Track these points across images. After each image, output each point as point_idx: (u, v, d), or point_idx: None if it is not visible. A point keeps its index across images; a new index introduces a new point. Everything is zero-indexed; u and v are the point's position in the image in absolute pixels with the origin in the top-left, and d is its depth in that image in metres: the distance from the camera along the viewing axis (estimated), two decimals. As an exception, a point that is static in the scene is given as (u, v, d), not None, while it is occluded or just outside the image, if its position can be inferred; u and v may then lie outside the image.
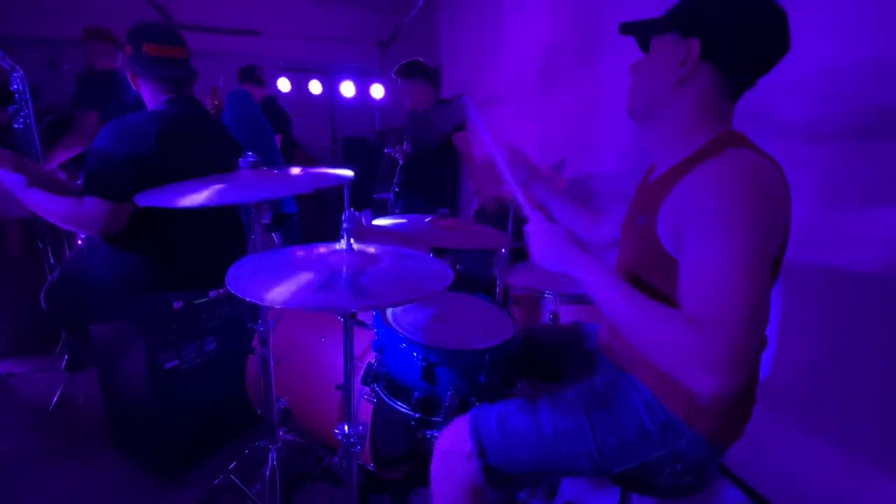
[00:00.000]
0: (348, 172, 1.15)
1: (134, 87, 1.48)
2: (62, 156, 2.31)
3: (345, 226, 0.94)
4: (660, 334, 0.68)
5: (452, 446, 0.90)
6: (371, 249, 0.98)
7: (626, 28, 0.88)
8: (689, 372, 0.64)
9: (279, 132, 3.30)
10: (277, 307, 0.74)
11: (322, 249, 0.97)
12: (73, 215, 1.32)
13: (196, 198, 0.97)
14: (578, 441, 0.84)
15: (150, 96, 1.47)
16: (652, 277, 0.81)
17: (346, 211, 0.94)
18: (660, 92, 0.81)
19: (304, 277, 0.81)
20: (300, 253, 0.96)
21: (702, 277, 0.67)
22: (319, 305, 0.76)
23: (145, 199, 0.99)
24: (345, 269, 0.86)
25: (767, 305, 0.65)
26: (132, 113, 1.43)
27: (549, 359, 1.17)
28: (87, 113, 2.33)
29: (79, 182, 1.51)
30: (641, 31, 0.87)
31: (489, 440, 0.87)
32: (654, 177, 0.88)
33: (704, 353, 0.62)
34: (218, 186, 1.04)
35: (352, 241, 0.95)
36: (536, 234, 0.85)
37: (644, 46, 0.90)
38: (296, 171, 1.22)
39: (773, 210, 0.69)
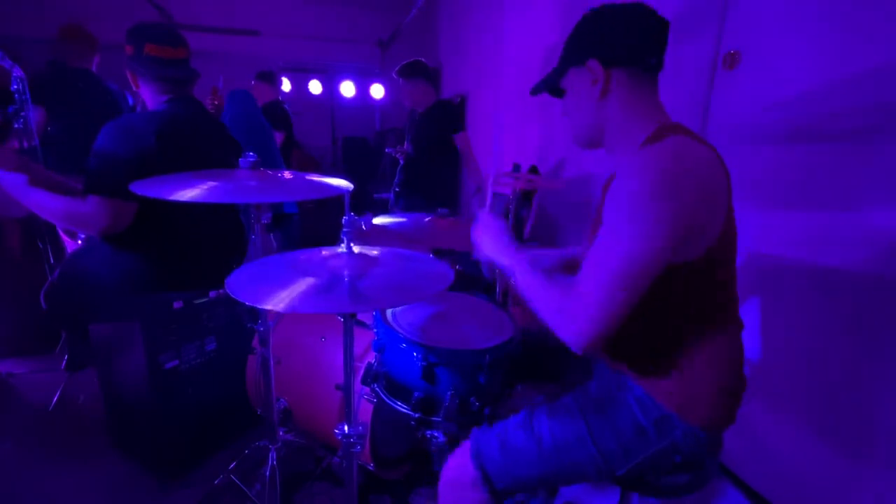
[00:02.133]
0: (347, 184, 1.15)
1: (133, 87, 1.48)
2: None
3: (345, 230, 0.95)
4: (544, 297, 0.78)
5: (457, 477, 0.91)
6: (372, 252, 0.98)
7: (536, 89, 0.98)
8: (557, 325, 0.74)
9: (280, 131, 3.31)
10: (280, 311, 0.74)
11: (324, 253, 0.97)
12: (75, 215, 1.32)
13: (191, 192, 0.97)
14: (579, 449, 0.85)
15: (151, 96, 1.47)
16: (655, 287, 0.82)
17: (346, 216, 0.95)
18: (592, 115, 0.88)
19: (305, 282, 0.81)
20: (301, 257, 0.96)
21: (595, 248, 0.74)
22: (321, 309, 0.76)
23: (142, 189, 1.00)
24: (345, 273, 0.86)
25: (639, 284, 0.70)
26: (132, 112, 1.43)
27: (548, 359, 1.18)
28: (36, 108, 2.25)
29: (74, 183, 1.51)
30: (549, 83, 0.95)
31: (492, 465, 0.88)
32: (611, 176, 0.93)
33: (570, 313, 0.72)
34: (214, 183, 1.04)
35: (352, 244, 0.95)
36: (483, 224, 0.97)
37: (558, 94, 0.97)
38: (289, 176, 1.22)
39: (686, 196, 0.70)
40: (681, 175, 0.70)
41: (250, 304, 0.75)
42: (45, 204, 1.33)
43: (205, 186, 1.02)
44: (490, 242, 0.94)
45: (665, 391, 0.83)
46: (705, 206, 0.73)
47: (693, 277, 0.77)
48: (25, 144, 1.75)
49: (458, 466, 0.92)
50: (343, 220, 0.95)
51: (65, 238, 2.03)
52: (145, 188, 0.99)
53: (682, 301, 0.80)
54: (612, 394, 0.89)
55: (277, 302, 0.74)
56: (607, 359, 0.95)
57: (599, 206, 0.94)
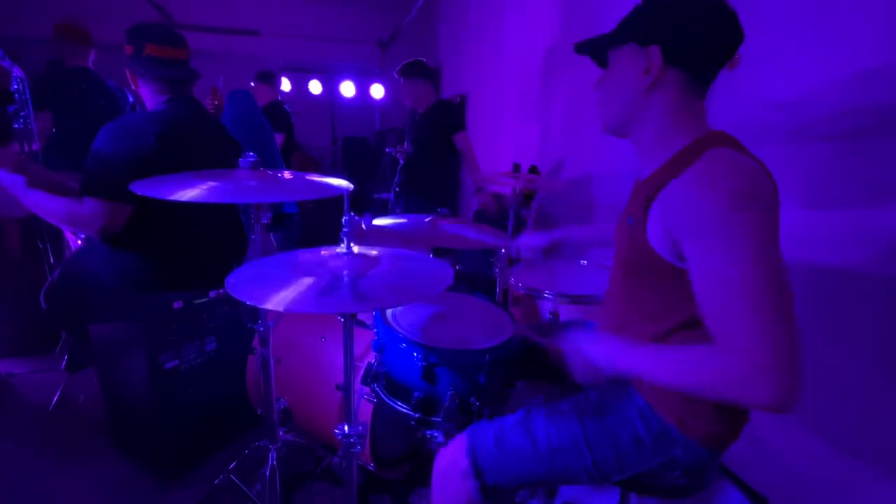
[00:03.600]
0: (347, 184, 1.15)
1: (133, 87, 1.48)
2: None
3: (345, 230, 0.94)
4: (701, 379, 0.66)
5: (449, 466, 0.91)
6: (372, 252, 0.98)
7: (582, 47, 0.89)
8: (743, 396, 0.62)
9: (281, 132, 3.31)
10: (280, 311, 0.74)
11: (323, 253, 0.97)
12: (73, 215, 1.32)
13: (191, 192, 0.97)
14: (574, 455, 0.84)
15: (150, 96, 1.47)
16: (643, 274, 0.82)
17: (346, 216, 0.95)
18: (630, 103, 0.82)
19: (305, 282, 0.81)
20: (301, 257, 0.96)
21: (713, 291, 0.66)
22: (321, 310, 0.76)
23: (141, 189, 1.00)
24: (345, 273, 0.86)
25: (790, 302, 0.62)
26: (132, 113, 1.43)
27: (548, 359, 1.17)
28: (39, 114, 2.24)
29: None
30: (598, 47, 0.87)
31: (485, 459, 0.87)
32: (642, 178, 0.88)
33: (742, 372, 0.61)
34: (214, 183, 1.04)
35: (352, 244, 0.95)
36: (573, 356, 0.84)
37: (602, 62, 0.90)
38: (289, 176, 1.22)
39: (763, 203, 0.67)
40: (749, 182, 0.67)
41: (251, 304, 0.75)
42: (42, 204, 1.34)
43: (205, 186, 1.02)
44: (589, 366, 0.81)
45: (667, 402, 0.81)
46: (773, 209, 0.70)
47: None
48: (27, 148, 1.76)
49: (452, 456, 0.91)
50: (343, 220, 0.95)
51: (70, 237, 2.03)
52: (145, 188, 0.99)
53: (692, 309, 0.77)
54: (614, 402, 0.87)
55: (278, 302, 0.74)
56: None
57: (627, 206, 0.90)
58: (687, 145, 0.77)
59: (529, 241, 1.37)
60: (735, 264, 0.63)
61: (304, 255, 0.96)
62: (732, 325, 0.63)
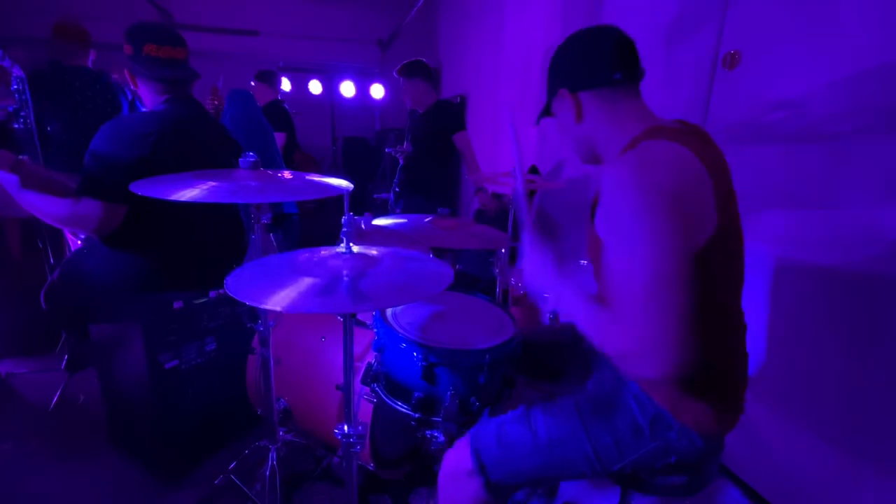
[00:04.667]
0: (347, 184, 1.15)
1: (132, 87, 1.48)
2: None
3: (344, 230, 0.95)
4: (598, 334, 0.75)
5: (455, 467, 0.93)
6: (372, 252, 0.98)
7: (538, 119, 1.03)
8: (621, 362, 0.72)
9: (282, 132, 3.31)
10: (279, 311, 0.74)
11: (323, 252, 0.97)
12: (69, 216, 1.31)
13: (191, 192, 0.97)
14: (574, 445, 0.86)
15: (149, 96, 1.47)
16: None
17: (346, 216, 0.95)
18: (576, 137, 0.94)
19: (305, 282, 0.81)
20: (301, 257, 0.96)
21: (612, 271, 0.73)
22: (320, 309, 0.76)
23: (141, 189, 1.00)
24: (345, 273, 0.86)
25: (687, 288, 0.68)
26: (131, 113, 1.42)
27: (548, 358, 1.18)
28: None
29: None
30: (544, 114, 1.01)
31: (488, 456, 0.89)
32: None
33: (625, 342, 0.70)
34: (214, 183, 1.04)
35: (351, 244, 0.95)
36: (530, 257, 0.93)
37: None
38: (289, 176, 1.22)
39: (671, 195, 0.70)
40: (648, 174, 0.71)
41: (250, 304, 0.75)
42: (37, 204, 1.33)
43: (205, 186, 1.02)
44: (539, 276, 0.90)
45: (659, 388, 0.84)
46: (688, 201, 0.72)
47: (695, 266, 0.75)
48: (27, 155, 1.75)
49: (457, 457, 0.94)
50: (343, 220, 0.95)
51: (70, 238, 2.03)
52: (144, 188, 0.99)
53: None
54: (611, 391, 0.90)
55: (277, 302, 0.74)
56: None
57: (592, 208, 0.94)
58: (626, 143, 0.85)
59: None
60: (631, 259, 0.70)
61: (304, 255, 0.96)
62: (623, 307, 0.71)
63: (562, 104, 0.93)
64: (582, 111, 0.90)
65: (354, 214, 1.01)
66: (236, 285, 0.80)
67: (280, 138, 3.29)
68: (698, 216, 0.73)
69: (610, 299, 0.74)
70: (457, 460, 0.93)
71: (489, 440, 0.91)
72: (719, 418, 0.84)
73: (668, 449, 0.83)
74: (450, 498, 0.94)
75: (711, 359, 0.82)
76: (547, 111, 1.00)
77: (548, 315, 1.56)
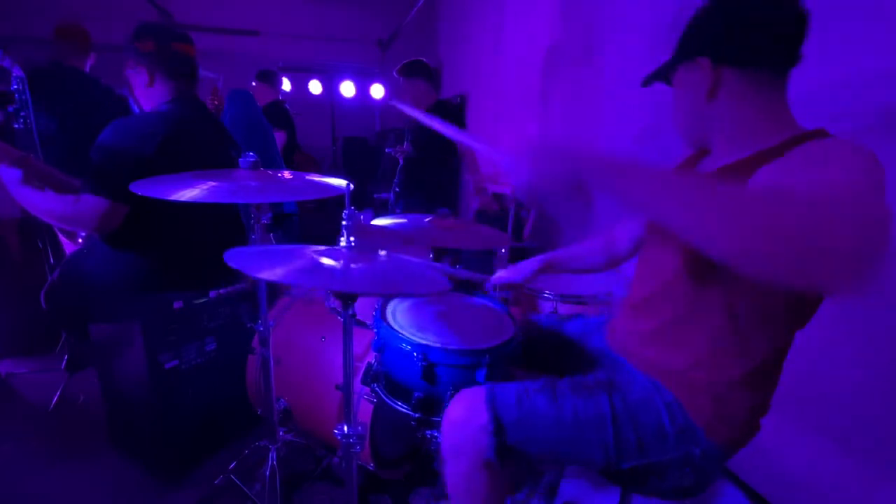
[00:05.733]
0: (344, 183, 1.13)
1: (148, 84, 1.46)
2: None
3: (345, 223, 0.94)
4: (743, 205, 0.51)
5: (466, 417, 0.87)
6: (381, 253, 0.98)
7: (647, 80, 0.91)
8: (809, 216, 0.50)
9: (282, 131, 3.32)
10: (274, 279, 0.74)
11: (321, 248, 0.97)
12: (69, 213, 1.31)
13: (191, 192, 0.97)
14: (597, 430, 0.84)
15: (159, 94, 1.46)
16: (708, 276, 0.78)
17: (347, 210, 0.94)
18: (695, 116, 0.83)
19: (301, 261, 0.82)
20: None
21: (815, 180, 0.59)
22: (312, 283, 0.76)
23: (142, 189, 1.00)
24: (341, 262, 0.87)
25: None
26: (138, 113, 1.43)
27: (550, 350, 1.17)
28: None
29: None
30: (660, 75, 0.89)
31: (508, 414, 0.85)
32: (713, 168, 0.84)
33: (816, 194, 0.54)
34: (214, 183, 1.04)
35: (352, 239, 0.95)
36: (522, 154, 0.67)
37: (669, 82, 0.91)
38: (289, 175, 1.22)
39: (876, 176, 0.61)
40: (862, 156, 0.62)
41: (245, 273, 0.74)
42: (36, 202, 1.33)
43: (205, 187, 1.02)
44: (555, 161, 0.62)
45: (699, 404, 0.81)
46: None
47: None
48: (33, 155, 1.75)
49: (469, 406, 0.87)
50: (344, 214, 0.94)
51: (63, 240, 2.02)
52: (145, 188, 0.99)
53: (750, 311, 0.76)
54: (640, 391, 0.87)
55: (272, 274, 0.75)
56: (639, 362, 0.93)
57: None
58: (781, 141, 0.74)
59: (507, 276, 1.27)
60: (845, 173, 0.58)
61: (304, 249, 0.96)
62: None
63: (692, 74, 0.79)
64: (719, 88, 0.77)
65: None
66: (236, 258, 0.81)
67: (280, 137, 3.29)
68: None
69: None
70: (469, 409, 0.87)
71: (509, 400, 0.86)
72: (745, 438, 0.84)
73: (687, 461, 0.82)
74: (456, 449, 0.89)
75: (758, 381, 0.81)
76: (664, 75, 0.87)
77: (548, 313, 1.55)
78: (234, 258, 0.80)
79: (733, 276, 0.59)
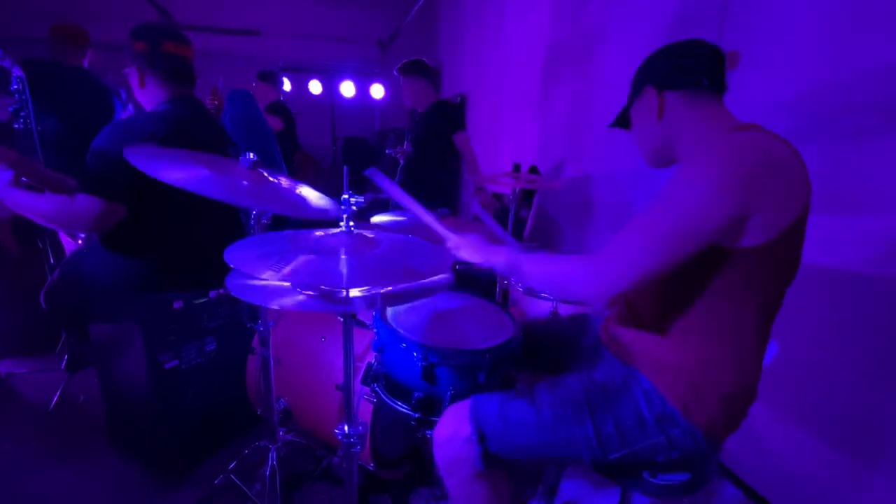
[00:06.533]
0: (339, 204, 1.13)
1: (139, 86, 1.47)
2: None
3: (345, 211, 0.97)
4: (557, 268, 0.86)
5: (451, 432, 0.92)
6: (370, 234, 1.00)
7: (613, 125, 1.08)
8: (570, 283, 0.82)
9: (282, 133, 3.32)
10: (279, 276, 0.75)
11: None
12: (63, 213, 1.29)
13: (182, 175, 0.98)
14: (577, 425, 0.86)
15: (154, 95, 1.46)
16: (694, 269, 0.81)
17: (345, 192, 0.96)
18: (655, 138, 0.95)
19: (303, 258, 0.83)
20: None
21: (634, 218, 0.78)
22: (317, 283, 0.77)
23: (135, 160, 1.00)
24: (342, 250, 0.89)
25: (660, 258, 0.74)
26: (135, 113, 1.42)
27: (550, 350, 1.18)
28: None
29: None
30: (621, 118, 1.05)
31: (489, 426, 0.89)
32: None
33: (585, 269, 0.80)
34: (206, 171, 1.05)
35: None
36: (461, 243, 1.05)
37: (628, 126, 1.05)
38: (286, 184, 1.23)
39: (756, 169, 0.72)
40: (747, 154, 0.73)
41: (245, 271, 0.75)
42: (27, 203, 1.31)
43: (195, 173, 1.03)
44: (478, 251, 1.01)
45: (673, 388, 0.84)
46: (773, 191, 0.72)
47: (740, 267, 0.77)
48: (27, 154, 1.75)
49: (454, 422, 0.93)
50: (342, 200, 0.97)
51: (64, 238, 2.02)
52: (143, 161, 1.00)
53: (720, 295, 0.80)
54: (618, 382, 0.90)
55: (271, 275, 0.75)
56: (618, 349, 0.96)
57: None
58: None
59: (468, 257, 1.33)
60: (674, 200, 0.76)
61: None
62: (622, 235, 0.78)
63: (645, 103, 0.95)
64: (664, 109, 0.92)
65: (353, 193, 1.02)
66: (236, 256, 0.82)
67: (275, 123, 3.30)
68: (776, 212, 0.73)
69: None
70: (455, 425, 0.92)
71: (491, 412, 0.90)
72: (727, 424, 0.85)
73: (671, 444, 0.84)
74: (446, 463, 0.93)
75: (733, 362, 0.83)
76: (623, 116, 1.03)
77: (548, 314, 1.55)
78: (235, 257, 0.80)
79: (695, 267, 0.77)
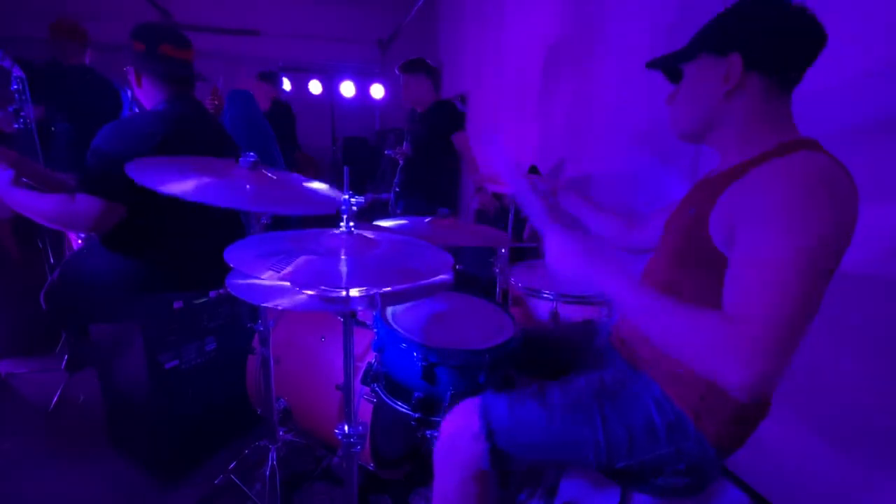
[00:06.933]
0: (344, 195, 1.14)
1: (136, 86, 1.47)
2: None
3: (344, 211, 0.96)
4: (688, 326, 0.66)
5: (459, 427, 0.89)
6: (371, 235, 1.00)
7: (653, 63, 0.90)
8: (716, 364, 0.62)
9: (282, 134, 3.32)
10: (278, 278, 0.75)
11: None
12: (63, 213, 1.30)
13: (184, 186, 0.97)
14: (587, 429, 0.84)
15: (153, 96, 1.47)
16: (691, 269, 0.81)
17: (346, 192, 0.96)
18: (709, 110, 0.82)
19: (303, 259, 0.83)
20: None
21: (746, 268, 0.66)
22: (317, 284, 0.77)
23: (137, 175, 1.00)
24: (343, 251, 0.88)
25: (813, 308, 0.64)
26: (133, 113, 1.42)
27: (554, 357, 1.17)
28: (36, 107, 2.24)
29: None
30: (671, 62, 0.88)
31: (498, 422, 0.87)
32: (714, 174, 0.88)
33: (733, 344, 0.61)
34: (208, 180, 1.05)
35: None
36: (552, 243, 0.83)
37: (674, 77, 0.91)
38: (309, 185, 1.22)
39: (837, 213, 0.66)
40: (828, 184, 0.66)
41: (245, 271, 0.75)
42: (28, 203, 1.32)
43: (198, 181, 1.02)
44: (569, 259, 0.79)
45: (686, 398, 0.82)
46: (847, 232, 0.68)
47: None
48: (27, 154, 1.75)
49: (462, 418, 0.90)
50: (342, 199, 0.95)
51: (72, 236, 2.02)
52: (140, 174, 0.99)
53: None
54: (630, 387, 0.88)
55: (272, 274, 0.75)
56: (630, 354, 0.95)
57: (686, 201, 0.92)
58: (774, 146, 0.77)
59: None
60: (781, 246, 0.63)
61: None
62: (748, 296, 0.64)
63: (715, 68, 0.79)
64: (740, 87, 0.78)
65: (354, 193, 1.01)
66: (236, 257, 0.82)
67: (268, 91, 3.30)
68: (841, 234, 0.68)
69: (728, 296, 0.67)
70: (462, 421, 0.89)
71: (500, 408, 0.88)
72: (737, 437, 0.84)
73: (680, 456, 0.82)
74: (448, 460, 0.91)
75: None
76: (676, 63, 0.86)
77: (548, 314, 1.55)
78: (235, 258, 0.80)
79: (715, 276, 0.71)
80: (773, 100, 0.79)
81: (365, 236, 0.98)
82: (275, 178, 1.19)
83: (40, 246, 2.01)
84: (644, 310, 0.70)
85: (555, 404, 0.87)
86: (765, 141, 0.79)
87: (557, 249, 0.81)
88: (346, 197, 0.95)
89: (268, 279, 0.74)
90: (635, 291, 0.71)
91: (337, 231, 0.97)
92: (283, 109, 3.50)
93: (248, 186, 1.10)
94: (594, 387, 0.90)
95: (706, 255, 0.77)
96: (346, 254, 0.88)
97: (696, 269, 0.80)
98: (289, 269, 0.77)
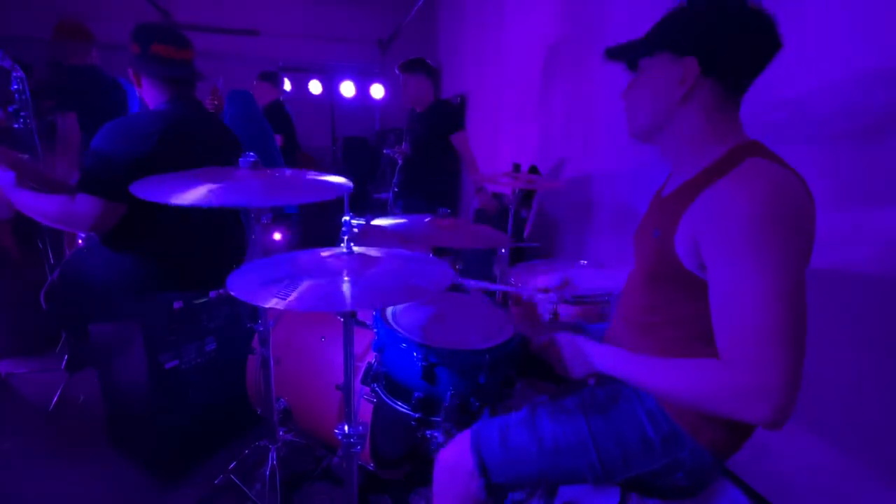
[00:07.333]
0: (343, 181, 1.15)
1: (136, 86, 1.48)
2: (62, 167, 2.24)
3: (344, 231, 0.95)
4: (697, 390, 0.71)
5: (455, 463, 0.91)
6: (373, 253, 0.99)
7: (613, 52, 0.89)
8: (738, 411, 0.66)
9: (281, 134, 3.32)
10: (281, 308, 0.75)
11: (323, 254, 0.97)
12: (64, 213, 1.31)
13: (191, 196, 0.97)
14: (580, 453, 0.84)
15: (153, 95, 1.47)
16: (666, 288, 0.82)
17: (346, 214, 0.95)
18: (662, 111, 0.82)
19: (305, 284, 0.82)
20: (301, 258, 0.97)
21: (732, 307, 0.67)
22: (322, 308, 0.76)
23: (141, 191, 1.00)
24: (345, 272, 0.87)
25: (803, 319, 0.65)
26: (133, 112, 1.43)
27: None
28: (66, 115, 2.26)
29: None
30: (630, 54, 0.88)
31: (491, 458, 0.87)
32: (669, 190, 0.87)
33: (742, 393, 0.65)
34: (214, 186, 1.04)
35: (352, 244, 0.96)
36: (557, 352, 0.93)
37: (632, 66, 0.90)
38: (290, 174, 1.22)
39: (800, 225, 0.67)
40: (789, 202, 0.67)
41: (252, 304, 0.75)
42: (31, 203, 1.33)
43: (206, 188, 1.02)
44: (572, 362, 0.90)
45: (681, 409, 0.81)
46: (810, 237, 0.69)
47: None
48: (27, 154, 1.75)
49: (457, 454, 0.91)
50: (343, 221, 0.95)
51: (78, 235, 2.02)
52: (147, 191, 0.99)
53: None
54: (622, 402, 0.87)
55: (277, 301, 0.74)
56: None
57: (647, 218, 0.93)
58: (722, 155, 0.77)
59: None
60: (757, 279, 0.64)
61: (305, 256, 0.97)
62: (744, 339, 0.66)
63: (671, 70, 0.78)
64: (693, 94, 0.78)
65: (354, 215, 1.01)
66: (237, 285, 0.81)
67: (277, 139, 3.30)
68: (808, 242, 0.69)
69: (719, 339, 0.69)
70: (456, 458, 0.91)
71: (492, 442, 0.88)
72: (736, 438, 0.83)
73: (677, 466, 0.82)
74: (445, 491, 0.92)
75: None
76: (635, 56, 0.86)
77: (548, 315, 1.55)
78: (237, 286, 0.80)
79: (694, 287, 0.74)
80: (724, 106, 0.79)
81: (365, 255, 0.97)
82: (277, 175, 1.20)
83: (40, 246, 2.01)
84: (654, 388, 0.78)
85: (545, 432, 0.87)
86: (716, 148, 0.78)
87: (564, 357, 0.91)
88: (347, 219, 0.95)
89: (275, 306, 0.74)
90: (637, 370, 0.80)
91: (337, 252, 0.96)
92: (281, 111, 3.49)
93: (254, 184, 1.10)
94: (584, 406, 0.89)
95: (678, 276, 0.77)
96: (348, 274, 0.87)
97: (672, 291, 0.81)
98: (294, 295, 0.77)
